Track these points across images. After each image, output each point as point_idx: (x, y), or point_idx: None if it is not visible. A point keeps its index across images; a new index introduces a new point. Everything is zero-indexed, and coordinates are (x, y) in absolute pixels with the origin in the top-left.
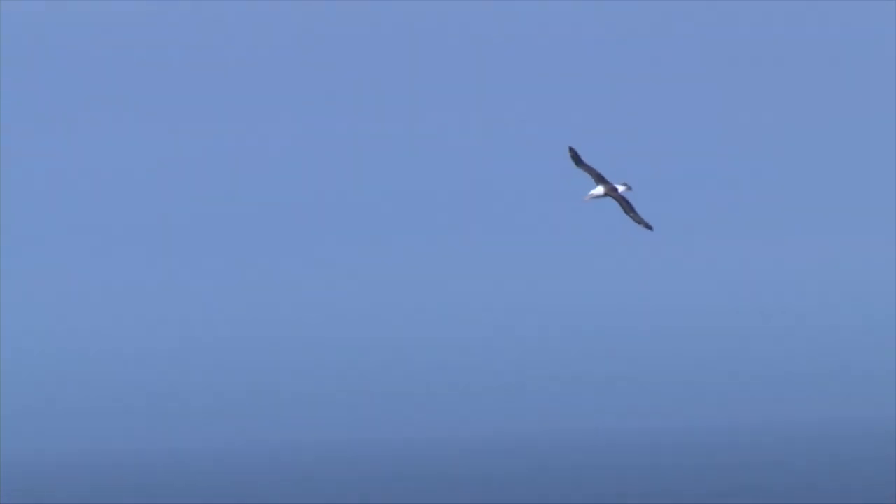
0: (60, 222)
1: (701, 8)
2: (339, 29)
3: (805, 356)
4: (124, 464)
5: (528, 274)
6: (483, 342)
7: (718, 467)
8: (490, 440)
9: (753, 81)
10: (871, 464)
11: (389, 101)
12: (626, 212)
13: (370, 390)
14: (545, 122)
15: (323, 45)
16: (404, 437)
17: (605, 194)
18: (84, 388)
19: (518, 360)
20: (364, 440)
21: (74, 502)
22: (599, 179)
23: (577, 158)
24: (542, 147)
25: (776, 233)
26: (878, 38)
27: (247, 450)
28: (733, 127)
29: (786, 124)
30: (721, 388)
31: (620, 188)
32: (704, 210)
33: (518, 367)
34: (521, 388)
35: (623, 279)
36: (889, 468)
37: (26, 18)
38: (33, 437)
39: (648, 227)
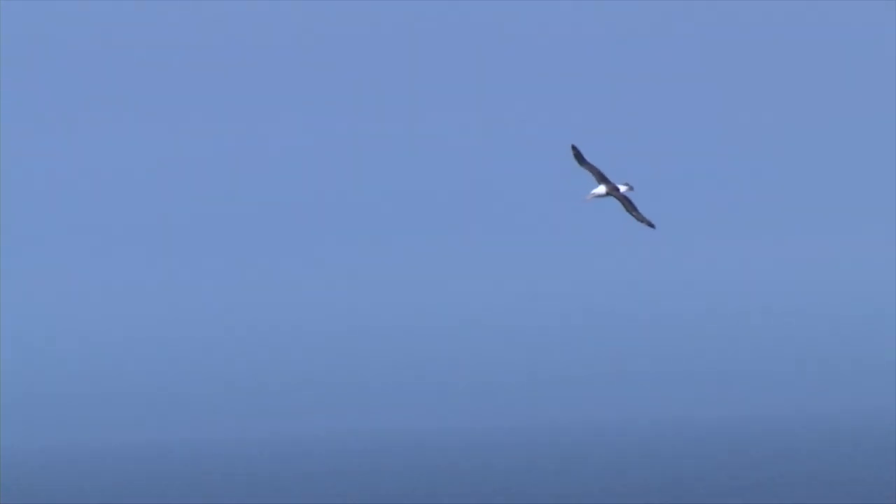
0: (60, 218)
1: (701, 8)
2: (340, 29)
3: (806, 351)
4: (124, 455)
5: (530, 271)
6: (486, 338)
7: (727, 458)
8: (495, 433)
9: (754, 82)
10: (872, 454)
11: (390, 101)
12: (628, 211)
13: (373, 384)
14: (546, 121)
15: (323, 46)
16: (410, 428)
17: (607, 193)
18: (82, 382)
19: (524, 354)
20: (369, 431)
21: (74, 493)
22: (601, 179)
23: (579, 157)
24: (544, 146)
25: (776, 231)
26: (878, 40)
27: (245, 440)
28: (734, 127)
29: (786, 124)
30: (723, 381)
31: (622, 188)
32: (705, 208)
33: (524, 362)
34: (526, 383)
35: (625, 276)
36: (890, 456)
37: (26, 18)
38: (32, 431)
39: (651, 225)
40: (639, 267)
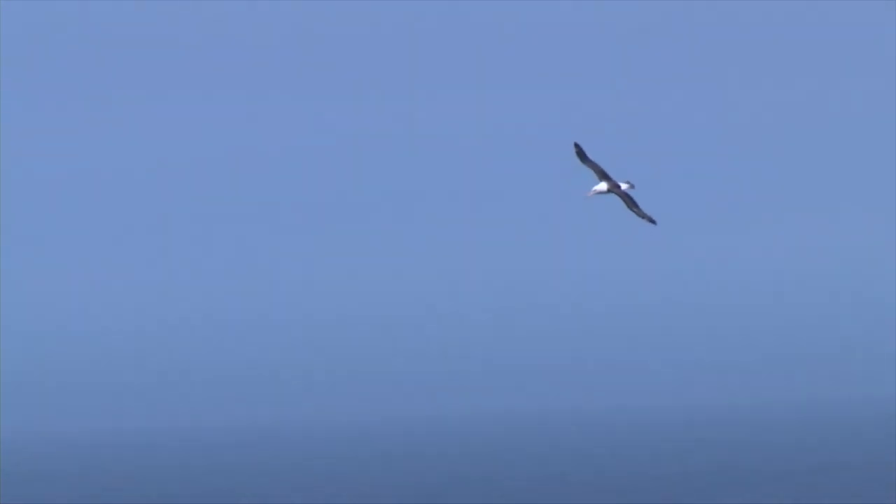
0: (57, 210)
1: (701, 6)
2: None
3: (810, 338)
4: (122, 443)
5: (535, 266)
6: (492, 329)
7: (739, 444)
8: (500, 418)
9: (752, 77)
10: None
11: (391, 101)
12: (629, 207)
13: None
14: (548, 119)
15: (324, 34)
16: (415, 416)
17: (609, 191)
18: (81, 371)
19: (531, 344)
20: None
21: (73, 479)
22: (603, 176)
23: (581, 155)
24: (546, 144)
25: (773, 224)
26: (874, 34)
27: (237, 429)
28: (732, 123)
29: (783, 119)
30: (723, 371)
31: (623, 185)
32: (703, 203)
33: (531, 351)
34: (533, 368)
35: (626, 269)
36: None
37: (26, 18)
38: (31, 418)
39: (652, 221)
40: (642, 259)
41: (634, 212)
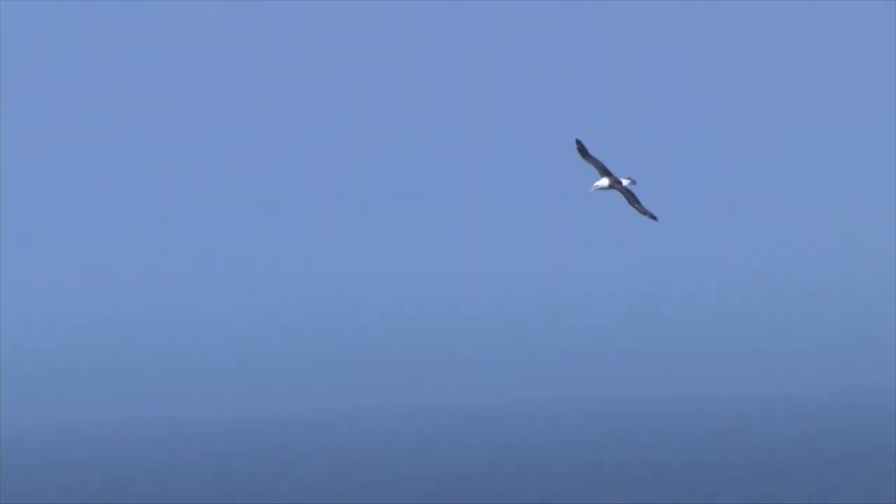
0: (59, 206)
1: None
2: None
3: (819, 327)
4: (120, 431)
5: (537, 259)
6: (500, 317)
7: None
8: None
9: (754, 76)
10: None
11: (391, 99)
12: (630, 203)
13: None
14: (549, 116)
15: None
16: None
17: (610, 186)
18: (80, 358)
19: (542, 332)
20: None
21: (74, 467)
22: (604, 172)
23: (583, 151)
24: (546, 139)
25: (775, 220)
26: (873, 29)
27: (241, 416)
28: (733, 122)
29: (785, 119)
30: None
31: (625, 182)
32: (705, 199)
33: (541, 339)
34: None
35: (629, 262)
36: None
37: (26, 17)
38: (31, 406)
39: (653, 217)
40: (645, 253)
41: (636, 208)
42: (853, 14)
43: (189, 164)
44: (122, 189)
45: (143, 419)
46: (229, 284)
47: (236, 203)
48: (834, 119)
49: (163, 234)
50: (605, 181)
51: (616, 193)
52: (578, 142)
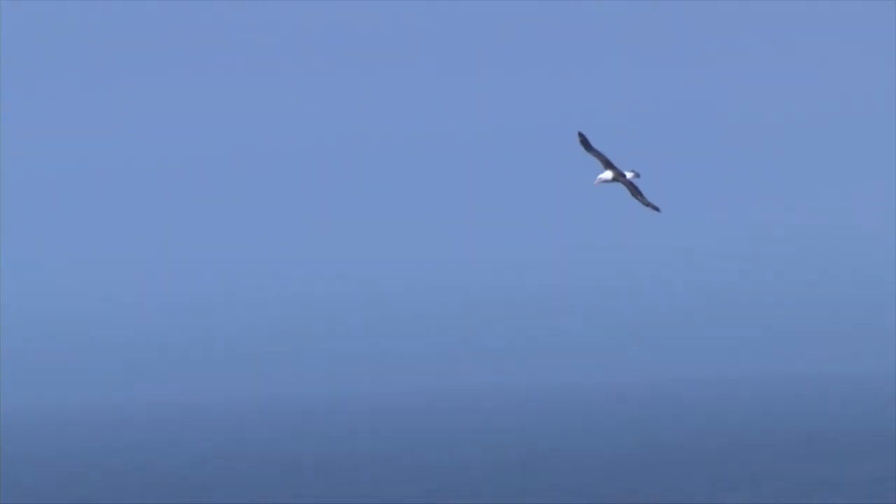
0: (58, 188)
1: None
2: None
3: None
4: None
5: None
6: (506, 310)
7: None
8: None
9: (756, 69)
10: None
11: (393, 100)
12: (633, 195)
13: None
14: (552, 111)
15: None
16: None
17: (614, 179)
18: (79, 345)
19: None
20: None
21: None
22: (607, 165)
23: (586, 144)
24: (549, 133)
25: (774, 213)
26: (871, 22)
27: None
28: (733, 118)
29: (786, 113)
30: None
31: (629, 174)
32: (705, 193)
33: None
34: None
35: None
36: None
37: (26, 17)
38: (31, 391)
39: (656, 209)
40: (650, 242)
41: (639, 200)
42: (854, 10)
43: (188, 163)
44: (121, 186)
45: (143, 403)
46: (229, 277)
47: (235, 202)
48: (832, 110)
49: (162, 230)
50: (608, 174)
51: (620, 186)
52: (581, 135)
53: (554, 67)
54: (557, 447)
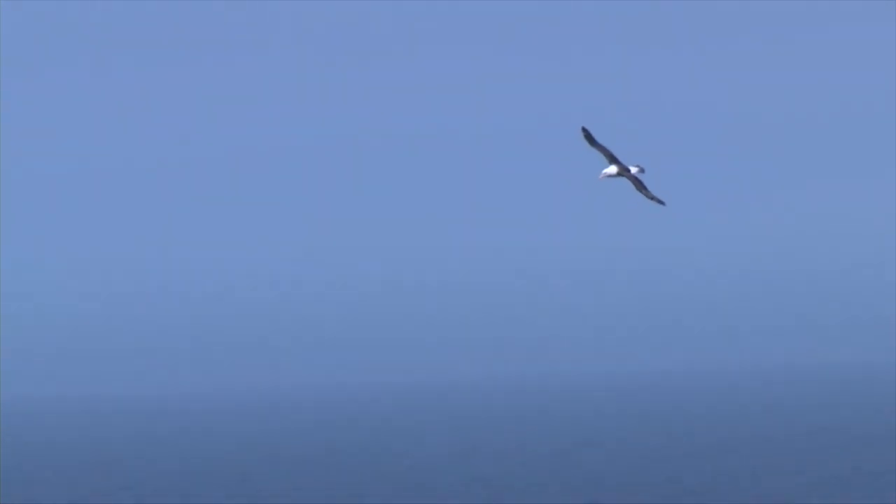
0: (58, 177)
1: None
2: None
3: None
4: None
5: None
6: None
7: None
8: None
9: (759, 65)
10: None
11: (395, 99)
12: (638, 190)
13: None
14: (553, 108)
15: None
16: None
17: (619, 174)
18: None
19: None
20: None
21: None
22: (612, 160)
23: (590, 139)
24: (558, 130)
25: (771, 206)
26: (871, 15)
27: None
28: (733, 115)
29: (786, 108)
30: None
31: (633, 169)
32: (704, 188)
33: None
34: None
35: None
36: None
37: (27, 15)
38: (32, 380)
39: (661, 202)
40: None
41: (644, 194)
42: (855, 6)
43: (188, 160)
44: (121, 183)
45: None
46: (234, 273)
47: (240, 199)
48: (836, 106)
49: (163, 226)
50: (613, 168)
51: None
52: (585, 130)
53: (555, 65)
54: (599, 436)
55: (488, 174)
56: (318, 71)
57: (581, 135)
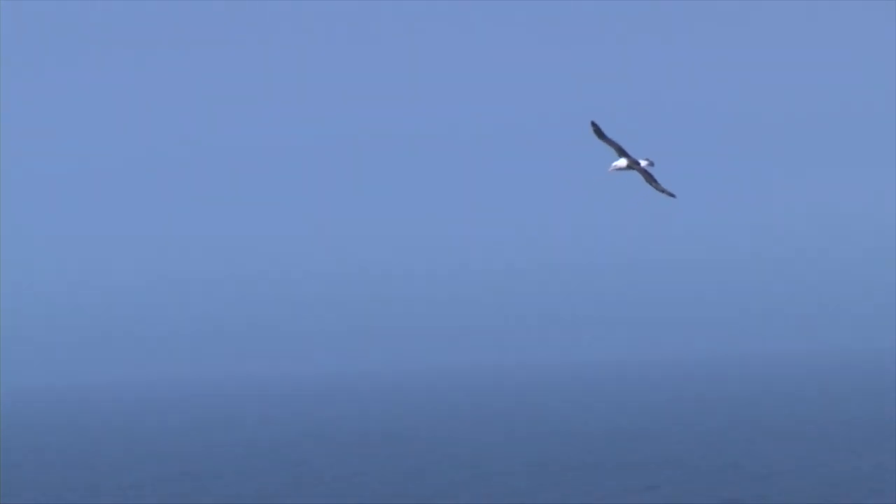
0: (58, 177)
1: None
2: None
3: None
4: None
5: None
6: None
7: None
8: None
9: (761, 60)
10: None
11: (398, 95)
12: (648, 182)
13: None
14: (555, 105)
15: None
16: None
17: (628, 167)
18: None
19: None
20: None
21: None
22: (621, 153)
23: (599, 133)
24: (566, 124)
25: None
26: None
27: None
28: (734, 112)
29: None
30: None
31: (643, 163)
32: (706, 182)
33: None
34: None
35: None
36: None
37: (26, 14)
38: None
39: (671, 195)
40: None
41: (654, 187)
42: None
43: (188, 160)
44: (121, 182)
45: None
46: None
47: (234, 200)
48: (844, 97)
49: (161, 222)
50: (623, 161)
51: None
52: (594, 124)
53: (554, 65)
54: (652, 421)
55: (500, 170)
56: (317, 70)
57: (591, 129)
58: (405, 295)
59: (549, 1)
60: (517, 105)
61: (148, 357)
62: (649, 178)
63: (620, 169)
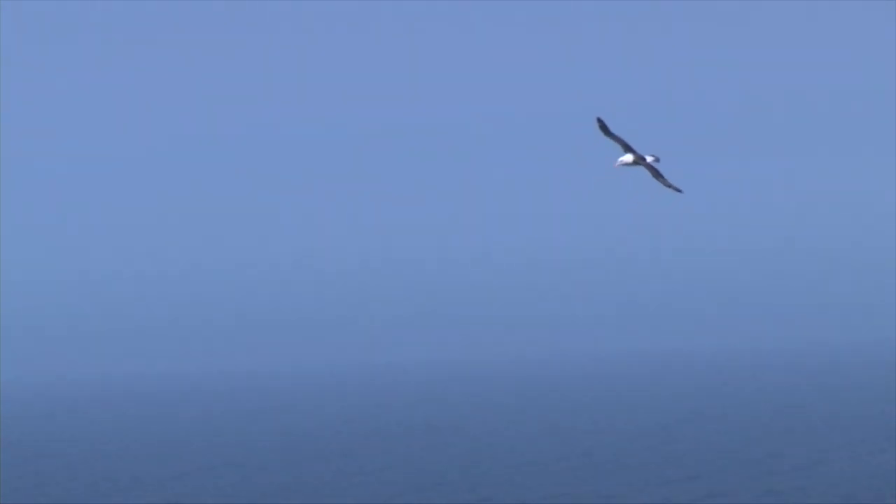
0: (59, 160)
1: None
2: None
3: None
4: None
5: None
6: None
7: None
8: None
9: (763, 56)
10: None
11: (398, 93)
12: (655, 178)
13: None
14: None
15: None
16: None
17: (634, 163)
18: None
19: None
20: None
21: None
22: (627, 149)
23: (604, 129)
24: (569, 120)
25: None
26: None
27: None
28: (734, 111)
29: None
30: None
31: (649, 158)
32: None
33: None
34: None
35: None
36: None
37: (27, 13)
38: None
39: (678, 190)
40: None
41: (661, 182)
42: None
43: (187, 159)
44: (120, 182)
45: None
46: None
47: (235, 199)
48: (827, 96)
49: (162, 218)
50: (629, 157)
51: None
52: (599, 120)
53: (554, 63)
54: (695, 412)
55: (504, 167)
56: (318, 68)
57: (596, 125)
58: (425, 286)
59: None
60: (519, 102)
61: (184, 349)
62: (656, 173)
63: (627, 164)
